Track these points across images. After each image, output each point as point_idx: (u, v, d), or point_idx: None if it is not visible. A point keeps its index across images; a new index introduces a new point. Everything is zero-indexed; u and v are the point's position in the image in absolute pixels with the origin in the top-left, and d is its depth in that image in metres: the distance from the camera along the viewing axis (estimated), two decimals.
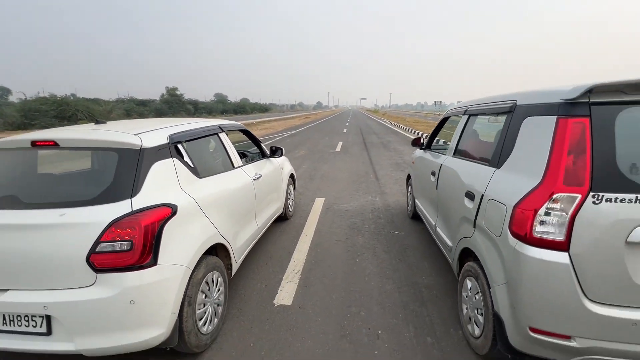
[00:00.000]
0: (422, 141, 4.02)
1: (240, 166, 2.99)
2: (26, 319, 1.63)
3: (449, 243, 2.54)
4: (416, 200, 3.97)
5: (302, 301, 2.63)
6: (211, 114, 56.26)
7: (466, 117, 2.76)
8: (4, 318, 1.65)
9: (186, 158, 2.23)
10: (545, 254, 1.47)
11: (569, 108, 1.50)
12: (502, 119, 2.06)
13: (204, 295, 2.05)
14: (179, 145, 2.21)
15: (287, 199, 4.29)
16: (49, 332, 1.63)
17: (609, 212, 1.37)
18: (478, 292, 1.97)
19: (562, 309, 1.45)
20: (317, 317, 2.42)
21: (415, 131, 18.39)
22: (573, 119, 1.47)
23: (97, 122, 2.30)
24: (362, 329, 2.29)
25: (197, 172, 2.28)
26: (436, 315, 2.42)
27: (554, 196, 1.45)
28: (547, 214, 1.46)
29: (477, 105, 2.59)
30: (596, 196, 1.39)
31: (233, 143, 3.08)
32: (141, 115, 38.33)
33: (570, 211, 1.42)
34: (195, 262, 1.94)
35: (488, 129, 2.62)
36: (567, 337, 1.47)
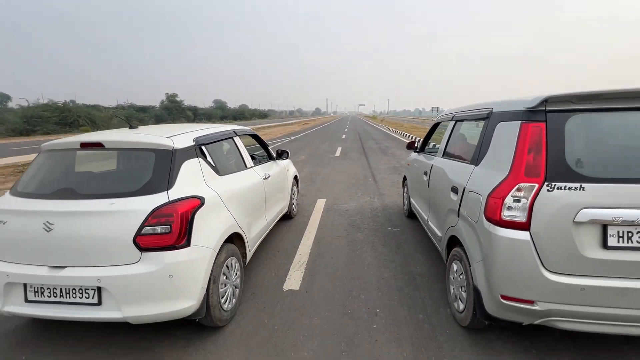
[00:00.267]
0: (416, 145, 4.38)
1: (252, 167, 3.33)
2: (80, 291, 1.94)
3: (439, 233, 2.86)
4: (411, 199, 4.30)
5: (309, 287, 2.94)
6: (210, 120, 56.70)
7: (453, 122, 3.11)
8: (60, 291, 1.96)
9: (209, 158, 2.56)
10: (511, 233, 1.80)
11: (530, 115, 1.85)
12: (482, 123, 2.41)
13: (224, 276, 2.36)
14: (203, 147, 2.55)
15: (291, 199, 4.62)
16: (99, 303, 1.94)
17: (560, 198, 1.70)
18: (462, 273, 2.30)
19: (526, 278, 1.78)
20: (322, 300, 2.73)
21: (412, 137, 18.80)
22: (532, 124, 1.82)
23: (130, 127, 2.63)
24: (362, 309, 2.60)
25: (217, 170, 2.61)
26: (427, 298, 2.74)
27: (518, 186, 1.79)
28: (512, 200, 1.80)
29: (462, 112, 2.94)
30: (549, 185, 1.73)
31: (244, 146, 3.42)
32: (141, 122, 38.70)
33: (530, 198, 1.75)
34: (219, 247, 2.26)
35: (471, 133, 2.97)
36: (531, 302, 1.79)
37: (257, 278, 3.10)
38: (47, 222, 1.91)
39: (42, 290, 1.97)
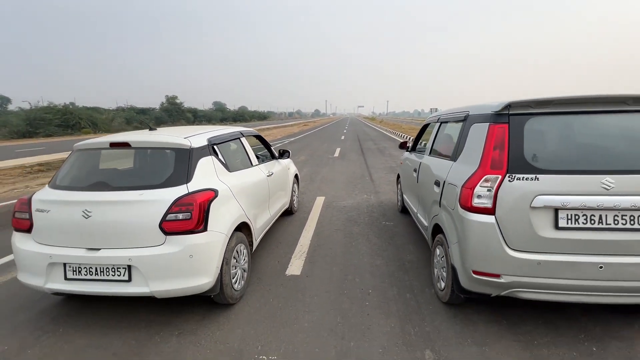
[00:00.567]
0: (408, 144, 4.72)
1: (257, 165, 3.66)
2: (113, 270, 2.27)
3: (425, 223, 3.20)
4: (404, 195, 4.64)
5: (309, 272, 3.27)
6: (210, 122, 57.08)
7: (439, 124, 3.45)
8: (96, 270, 2.28)
9: (220, 156, 2.89)
10: (480, 217, 2.13)
11: (496, 117, 2.18)
12: (460, 125, 2.75)
13: (235, 260, 2.69)
14: (215, 147, 2.88)
15: (292, 195, 4.95)
16: (129, 279, 2.26)
17: (519, 187, 2.03)
18: (443, 256, 2.63)
19: (492, 255, 2.10)
20: (321, 282, 3.06)
21: (406, 137, 19.14)
22: (498, 125, 2.15)
23: (150, 129, 2.96)
24: (356, 289, 2.93)
25: (227, 167, 2.94)
26: (415, 280, 3.07)
27: (485, 177, 2.12)
28: (481, 190, 2.13)
29: (446, 114, 3.28)
30: (511, 176, 2.06)
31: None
32: (141, 124, 39.00)
33: (495, 187, 2.08)
34: (231, 233, 2.58)
35: (453, 133, 3.30)
36: (497, 276, 2.12)
37: (262, 265, 3.42)
38: (86, 210, 2.24)
39: (80, 269, 2.29)
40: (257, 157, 4.30)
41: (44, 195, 2.41)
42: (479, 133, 2.33)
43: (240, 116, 76.66)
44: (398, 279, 3.10)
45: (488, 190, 2.11)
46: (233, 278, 2.65)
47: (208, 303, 2.70)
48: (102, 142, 2.58)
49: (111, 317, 2.58)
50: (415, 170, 3.78)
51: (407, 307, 2.64)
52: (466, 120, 2.62)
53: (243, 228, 2.97)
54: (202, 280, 2.33)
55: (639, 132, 2.06)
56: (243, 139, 3.61)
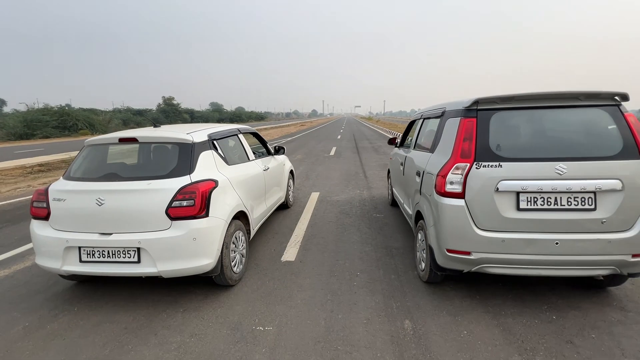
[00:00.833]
0: (396, 140, 4.99)
1: (253, 159, 3.91)
2: (124, 252, 2.51)
3: (410, 212, 3.46)
4: (393, 188, 4.91)
5: (303, 258, 3.53)
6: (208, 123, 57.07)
7: (422, 120, 3.72)
8: (108, 253, 2.53)
9: (219, 150, 3.14)
10: (452, 201, 2.39)
11: (466, 112, 2.45)
12: (438, 120, 3.02)
13: (234, 245, 2.94)
14: (215, 142, 3.13)
15: (287, 190, 5.21)
16: (139, 261, 2.51)
17: (485, 173, 2.30)
18: (424, 239, 2.89)
19: (463, 234, 2.37)
20: (314, 266, 3.32)
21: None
22: (467, 119, 2.42)
23: (155, 126, 3.21)
24: (346, 271, 3.19)
25: (226, 160, 3.19)
26: (400, 264, 3.33)
27: (456, 165, 2.38)
28: (452, 177, 2.39)
29: (428, 111, 3.55)
30: (478, 164, 2.32)
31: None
32: (138, 124, 39.11)
33: (464, 174, 2.35)
34: (230, 220, 2.83)
35: (433, 128, 3.57)
36: (468, 253, 2.39)
37: (259, 253, 3.68)
38: (99, 198, 2.49)
39: (93, 252, 2.53)
40: (254, 153, 4.55)
41: (60, 186, 2.65)
42: (452, 127, 2.59)
43: (237, 117, 76.81)
44: (385, 263, 3.36)
45: (458, 177, 2.37)
46: (232, 262, 2.90)
47: (210, 284, 2.95)
48: (111, 138, 2.83)
49: (121, 297, 2.82)
50: (401, 164, 4.05)
51: (391, 286, 2.90)
52: (443, 115, 2.89)
53: (241, 217, 3.22)
54: (205, 261, 2.58)
55: (589, 124, 2.34)
56: (240, 136, 3.86)
